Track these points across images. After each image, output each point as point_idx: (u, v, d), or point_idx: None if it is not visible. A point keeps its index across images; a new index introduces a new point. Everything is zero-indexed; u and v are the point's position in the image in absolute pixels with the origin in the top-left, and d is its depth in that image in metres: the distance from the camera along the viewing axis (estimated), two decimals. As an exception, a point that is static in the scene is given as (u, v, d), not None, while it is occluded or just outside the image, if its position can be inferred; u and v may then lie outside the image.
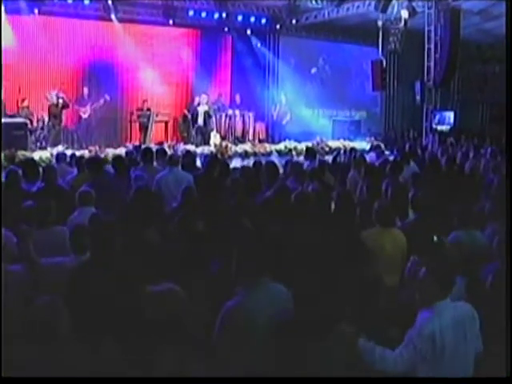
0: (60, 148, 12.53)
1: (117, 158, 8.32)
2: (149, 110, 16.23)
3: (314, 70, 19.93)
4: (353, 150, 11.32)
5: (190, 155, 9.50)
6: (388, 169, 8.36)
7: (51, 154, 11.78)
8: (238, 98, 17.54)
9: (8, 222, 4.91)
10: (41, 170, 7.34)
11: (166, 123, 16.72)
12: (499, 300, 3.95)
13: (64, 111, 14.66)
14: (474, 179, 8.72)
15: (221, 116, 16.91)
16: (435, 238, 4.99)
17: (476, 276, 4.49)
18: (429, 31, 15.95)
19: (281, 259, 4.42)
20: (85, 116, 15.11)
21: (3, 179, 6.75)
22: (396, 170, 8.30)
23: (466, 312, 3.57)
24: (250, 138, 17.04)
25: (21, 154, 11.34)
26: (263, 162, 8.62)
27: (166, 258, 4.44)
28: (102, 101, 15.19)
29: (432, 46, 15.74)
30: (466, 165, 9.85)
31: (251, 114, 17.51)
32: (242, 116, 17.24)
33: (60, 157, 8.83)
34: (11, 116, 13.43)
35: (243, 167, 8.79)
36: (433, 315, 3.44)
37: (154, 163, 8.36)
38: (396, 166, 8.50)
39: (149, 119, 15.97)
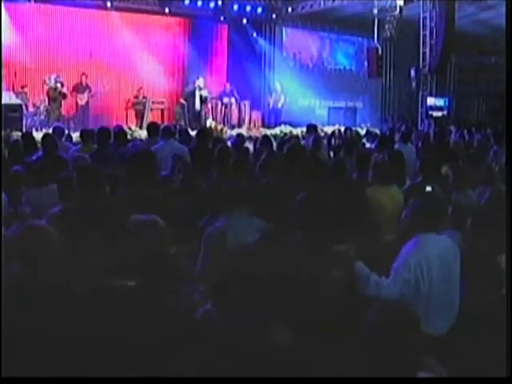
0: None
1: (119, 129, 8.36)
2: (145, 97, 16.25)
3: (310, 60, 19.98)
4: (348, 129, 11.32)
5: (186, 132, 9.56)
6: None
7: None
8: (233, 87, 17.53)
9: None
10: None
11: (162, 111, 16.73)
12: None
13: (62, 95, 14.68)
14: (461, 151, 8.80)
15: (217, 104, 16.95)
16: (429, 188, 5.02)
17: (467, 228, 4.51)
18: (424, 18, 16.04)
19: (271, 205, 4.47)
20: (82, 103, 15.13)
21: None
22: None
23: (450, 247, 3.56)
24: (246, 126, 17.05)
25: (15, 134, 11.34)
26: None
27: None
28: (99, 89, 15.24)
29: (427, 33, 15.83)
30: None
31: (247, 103, 17.55)
32: (238, 104, 17.26)
33: (57, 130, 8.73)
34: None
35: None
36: (418, 247, 3.42)
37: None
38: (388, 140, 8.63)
39: (144, 107, 15.99)
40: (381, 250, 4.23)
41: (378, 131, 15.01)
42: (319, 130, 15.40)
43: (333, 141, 11.56)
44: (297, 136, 8.29)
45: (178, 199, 4.89)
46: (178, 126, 12.89)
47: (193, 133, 13.89)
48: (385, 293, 3.32)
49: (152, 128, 8.66)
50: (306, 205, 3.85)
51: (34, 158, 6.81)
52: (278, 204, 4.24)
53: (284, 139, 8.12)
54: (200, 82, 16.18)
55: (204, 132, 8.30)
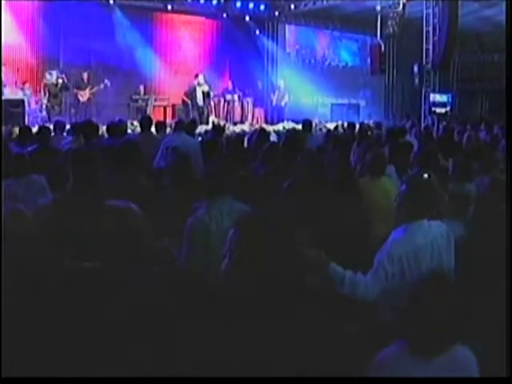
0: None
1: (118, 123, 8.39)
2: (147, 94, 16.25)
3: (313, 57, 19.97)
4: (351, 124, 11.26)
5: (193, 124, 9.57)
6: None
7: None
8: (236, 84, 17.51)
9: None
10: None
11: (165, 108, 16.73)
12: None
13: (64, 92, 14.67)
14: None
15: (219, 101, 16.94)
16: (425, 176, 4.97)
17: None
18: (427, 14, 16.03)
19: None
20: (83, 100, 15.08)
21: None
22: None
23: (443, 234, 3.40)
24: (249, 122, 17.02)
25: (17, 130, 11.31)
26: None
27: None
28: (101, 85, 15.17)
29: (430, 29, 15.81)
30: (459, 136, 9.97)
31: (250, 100, 17.54)
32: (241, 101, 17.27)
33: (58, 125, 8.77)
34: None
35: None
36: (406, 235, 3.26)
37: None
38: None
39: (147, 104, 16.00)
40: (370, 240, 4.20)
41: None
42: (322, 126, 15.56)
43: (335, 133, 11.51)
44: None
45: (170, 190, 4.85)
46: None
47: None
48: (361, 292, 3.11)
49: (145, 123, 8.67)
50: (292, 191, 3.82)
51: (30, 149, 6.80)
52: (265, 190, 4.24)
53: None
54: (200, 79, 16.08)
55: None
